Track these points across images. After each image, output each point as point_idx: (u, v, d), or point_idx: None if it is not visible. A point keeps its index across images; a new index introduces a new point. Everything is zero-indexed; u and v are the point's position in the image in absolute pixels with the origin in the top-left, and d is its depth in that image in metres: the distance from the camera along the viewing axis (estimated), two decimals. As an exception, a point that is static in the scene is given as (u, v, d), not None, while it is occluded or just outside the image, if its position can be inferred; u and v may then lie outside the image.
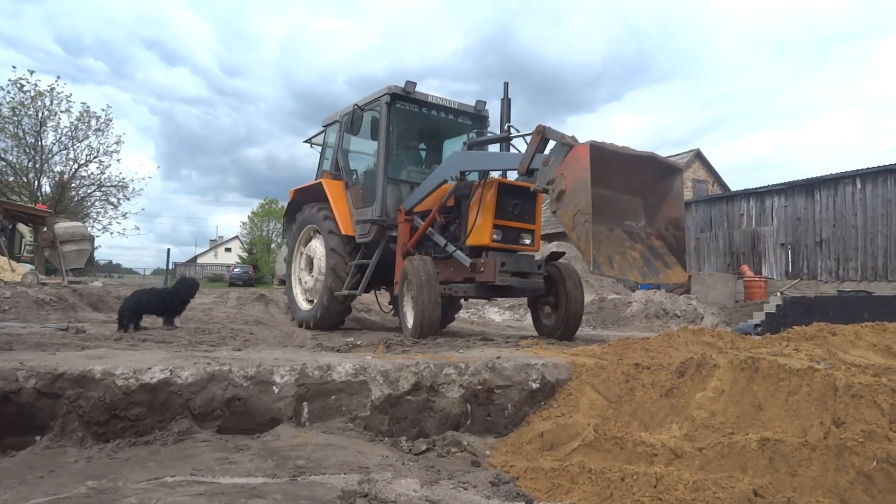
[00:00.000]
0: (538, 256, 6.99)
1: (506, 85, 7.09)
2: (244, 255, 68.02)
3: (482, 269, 6.15)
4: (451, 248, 6.58)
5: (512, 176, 6.73)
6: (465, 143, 6.88)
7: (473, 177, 6.86)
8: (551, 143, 5.38)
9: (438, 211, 6.68)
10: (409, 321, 6.33)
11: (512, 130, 6.71)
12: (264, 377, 3.24)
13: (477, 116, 8.36)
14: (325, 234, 7.93)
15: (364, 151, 8.76)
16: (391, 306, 9.99)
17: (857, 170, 20.09)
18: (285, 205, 9.59)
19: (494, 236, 6.35)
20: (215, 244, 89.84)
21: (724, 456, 2.49)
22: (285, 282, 10.42)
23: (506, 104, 7.07)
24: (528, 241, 6.61)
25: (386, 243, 7.52)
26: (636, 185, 5.33)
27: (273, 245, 69.58)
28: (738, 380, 2.88)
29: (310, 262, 8.50)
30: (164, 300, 8.13)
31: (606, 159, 4.85)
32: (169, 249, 57.28)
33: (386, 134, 7.53)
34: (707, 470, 2.46)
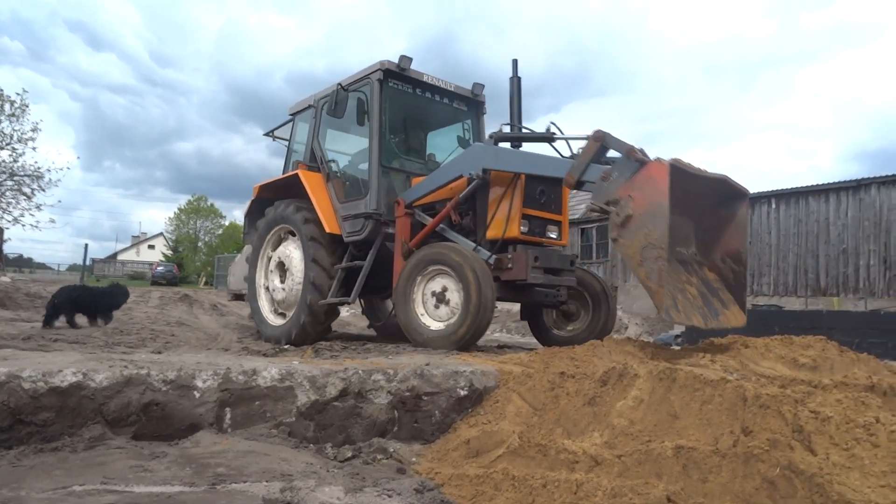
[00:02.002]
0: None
1: (514, 62, 6.16)
2: (169, 253, 65.58)
3: (510, 265, 5.33)
4: (468, 243, 5.72)
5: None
6: (491, 136, 5.83)
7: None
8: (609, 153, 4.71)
9: (454, 207, 5.80)
10: (448, 324, 5.30)
11: (553, 129, 5.71)
12: (185, 381, 3.13)
13: (473, 102, 7.57)
14: (305, 240, 6.85)
15: (347, 138, 7.90)
16: (367, 314, 9.09)
17: (773, 190, 21.25)
18: (248, 202, 8.41)
19: (522, 228, 5.57)
20: (138, 241, 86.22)
21: (642, 463, 2.58)
22: (243, 296, 9.03)
23: (516, 85, 6.14)
24: (554, 235, 5.87)
25: (382, 241, 6.60)
26: (693, 206, 4.41)
27: (200, 244, 67.45)
28: (656, 389, 2.99)
29: (281, 269, 7.35)
30: (96, 299, 7.83)
31: (683, 182, 4.09)
32: (87, 245, 54.71)
33: (379, 115, 6.68)
34: (625, 476, 2.55)
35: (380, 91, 6.70)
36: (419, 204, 6.25)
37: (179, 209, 69.93)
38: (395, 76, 6.81)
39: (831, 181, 20.13)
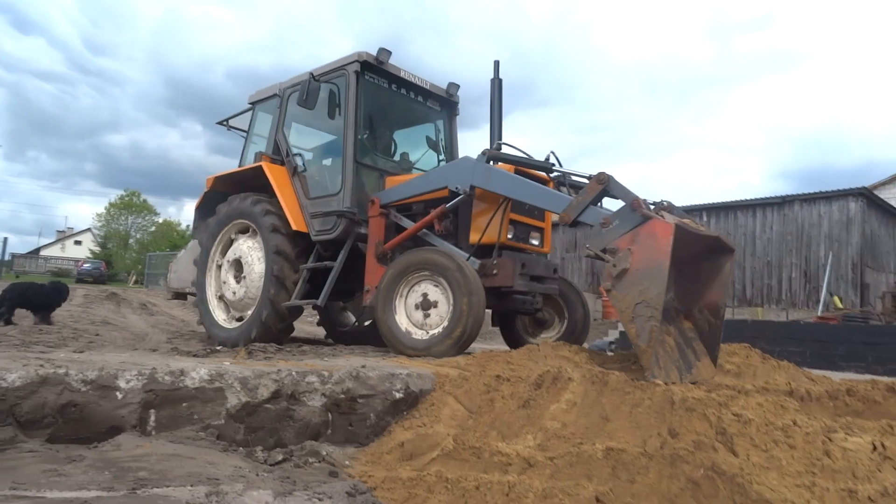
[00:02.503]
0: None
1: (496, 63, 6.06)
2: (97, 249, 62.84)
3: (495, 271, 5.20)
4: (448, 246, 5.52)
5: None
6: (484, 153, 5.48)
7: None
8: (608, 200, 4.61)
9: (438, 217, 5.59)
10: (437, 331, 5.00)
11: (552, 160, 5.38)
12: (107, 382, 2.99)
13: (447, 102, 7.39)
14: (266, 232, 6.43)
15: (313, 132, 7.52)
16: (324, 321, 8.51)
17: (704, 204, 22.12)
18: (200, 195, 7.79)
19: (509, 234, 5.45)
20: (63, 236, 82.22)
21: (573, 465, 2.62)
22: (188, 295, 8.55)
23: (497, 87, 6.00)
24: (536, 241, 5.78)
25: (354, 242, 6.30)
26: (680, 256, 4.20)
27: (131, 241, 64.97)
28: (589, 392, 3.05)
29: (237, 267, 6.90)
30: (47, 296, 7.92)
31: (681, 240, 4.00)
32: (6, 238, 51.80)
33: (355, 108, 6.37)
34: (557, 478, 2.57)
35: (356, 83, 6.42)
36: (395, 205, 6.03)
37: (110, 204, 67.24)
38: (372, 69, 6.58)
39: (758, 197, 21.12)
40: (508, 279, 5.15)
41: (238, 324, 6.70)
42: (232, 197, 7.04)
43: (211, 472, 2.69)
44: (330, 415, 3.43)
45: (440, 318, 5.03)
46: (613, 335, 13.08)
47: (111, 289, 16.61)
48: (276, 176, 6.68)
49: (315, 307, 6.46)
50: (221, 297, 7.10)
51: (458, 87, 7.39)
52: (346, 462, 3.21)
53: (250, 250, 6.73)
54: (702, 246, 4.46)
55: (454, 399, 3.56)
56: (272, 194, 6.64)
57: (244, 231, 6.97)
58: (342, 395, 3.46)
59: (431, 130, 7.47)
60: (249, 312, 6.58)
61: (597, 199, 4.59)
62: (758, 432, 2.29)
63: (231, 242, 7.10)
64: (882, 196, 23.01)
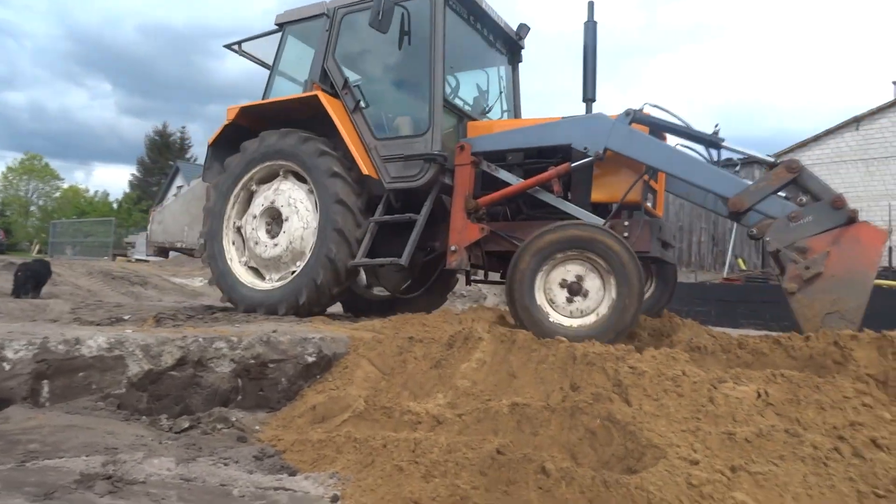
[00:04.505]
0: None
1: (590, 4, 5.20)
2: (-6, 217, 58.66)
3: (626, 233, 4.47)
4: (570, 207, 4.78)
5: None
6: (627, 113, 4.68)
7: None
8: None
9: (556, 176, 4.78)
10: (581, 322, 4.07)
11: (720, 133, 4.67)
12: (-7, 352, 2.81)
13: (515, 46, 6.55)
14: (323, 177, 5.38)
15: (369, 62, 6.42)
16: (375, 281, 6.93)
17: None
18: (219, 129, 6.35)
19: (644, 197, 4.75)
20: (-44, 203, 76.15)
21: (480, 420, 2.69)
22: (167, 251, 7.53)
23: (591, 31, 5.17)
24: (650, 203, 5.07)
25: (438, 193, 5.44)
26: None
27: (33, 208, 61.02)
28: (498, 351, 3.13)
29: (272, 218, 5.80)
30: (47, 272, 9.01)
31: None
32: None
33: (443, 35, 5.43)
34: (465, 434, 2.64)
35: (443, 6, 5.49)
36: (489, 154, 5.21)
37: (8, 168, 62.64)
38: None
39: (672, 164, 21.90)
40: (645, 244, 4.51)
41: (273, 284, 5.63)
42: (266, 133, 5.83)
43: (109, 442, 2.60)
44: (240, 380, 3.37)
45: (591, 305, 4.13)
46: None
47: (9, 258, 15.59)
48: (336, 110, 5.57)
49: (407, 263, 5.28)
50: (245, 253, 5.96)
51: (528, 29, 6.52)
52: (257, 427, 3.17)
53: (293, 198, 5.62)
54: None
55: (368, 361, 3.57)
56: (324, 133, 5.61)
57: (283, 175, 5.83)
58: (252, 361, 3.40)
59: (495, 76, 6.69)
60: (291, 272, 5.56)
61: (780, 189, 4.09)
62: (650, 383, 2.42)
63: (260, 188, 5.96)
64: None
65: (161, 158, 56.43)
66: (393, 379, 3.41)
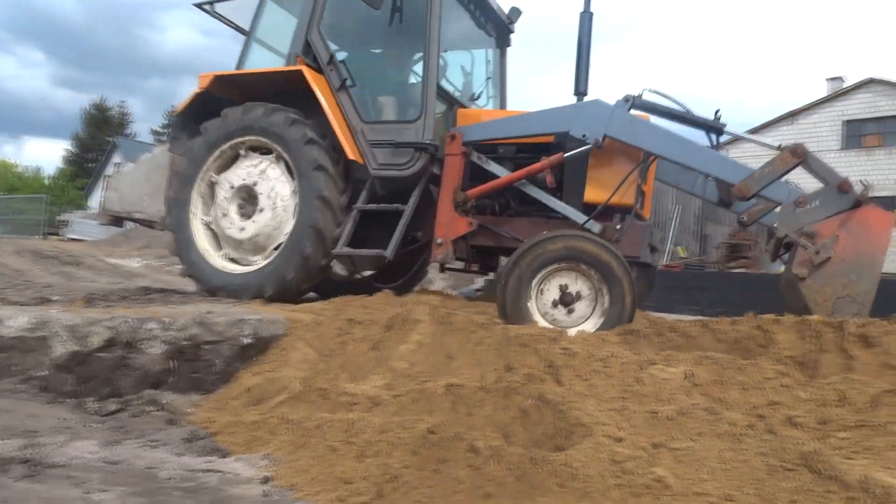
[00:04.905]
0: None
1: None
2: (-86, 192, 55.37)
3: (618, 237, 4.34)
4: (559, 204, 4.61)
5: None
6: (626, 99, 4.56)
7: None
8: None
9: (549, 167, 4.53)
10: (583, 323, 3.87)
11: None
12: None
13: (505, 29, 6.23)
14: (304, 163, 4.96)
15: (357, 37, 5.93)
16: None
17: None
18: (189, 95, 5.76)
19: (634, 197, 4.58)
20: None
21: (417, 401, 2.71)
22: (121, 220, 6.82)
23: (587, 21, 4.89)
24: (639, 205, 4.88)
25: (427, 183, 5.13)
26: None
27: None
28: (436, 333, 3.15)
29: (246, 197, 5.31)
30: None
31: None
32: None
33: (439, 15, 5.06)
34: (401, 415, 2.65)
35: None
36: (481, 144, 4.97)
37: (-70, 141, 58.96)
38: None
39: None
40: (636, 248, 4.42)
41: (247, 268, 5.19)
42: (249, 105, 5.32)
43: (30, 426, 2.51)
44: (172, 362, 3.29)
45: (583, 314, 3.95)
46: (480, 283, 13.53)
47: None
48: (321, 88, 5.12)
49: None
50: (212, 232, 5.47)
51: (520, 13, 6.22)
52: (189, 409, 3.11)
53: (273, 180, 5.18)
54: None
55: (305, 343, 3.54)
56: (306, 109, 5.17)
57: (258, 152, 5.36)
58: (186, 342, 3.33)
59: (483, 60, 6.39)
60: (258, 258, 5.16)
61: (786, 174, 4.04)
62: (581, 364, 2.48)
63: (234, 162, 5.44)
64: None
65: (99, 134, 54.06)
66: (331, 361, 3.39)
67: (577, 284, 3.93)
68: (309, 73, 5.08)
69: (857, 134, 27.31)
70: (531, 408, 2.38)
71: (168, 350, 3.28)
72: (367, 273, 6.23)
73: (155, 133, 56.07)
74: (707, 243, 20.88)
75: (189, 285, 7.41)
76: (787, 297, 3.97)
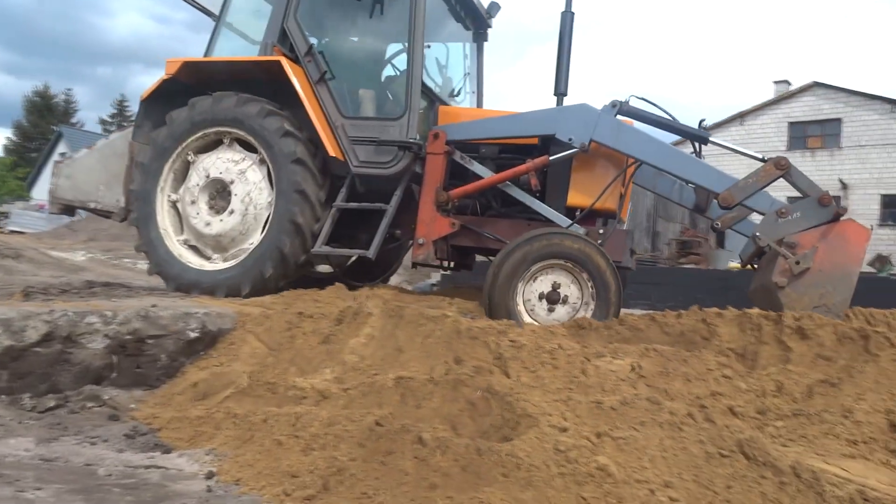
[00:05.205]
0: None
1: None
2: None
3: (600, 241, 4.31)
4: (542, 207, 4.60)
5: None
6: (613, 104, 4.57)
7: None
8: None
9: (534, 170, 4.49)
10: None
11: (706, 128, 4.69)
12: None
13: (483, 24, 6.08)
14: (281, 156, 4.74)
15: (343, 28, 5.69)
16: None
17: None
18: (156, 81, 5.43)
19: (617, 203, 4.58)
20: None
21: (366, 394, 2.70)
22: (72, 209, 6.34)
23: (568, 21, 4.86)
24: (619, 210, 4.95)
25: (409, 182, 5.00)
26: None
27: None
28: (386, 326, 3.14)
29: (217, 191, 5.00)
30: None
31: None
32: None
33: (423, 9, 4.92)
34: (350, 408, 2.63)
35: None
36: (465, 143, 4.89)
37: None
38: None
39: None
40: (619, 253, 4.41)
41: (213, 266, 4.93)
42: (219, 94, 5.03)
43: (-41, 423, 2.40)
44: (115, 357, 3.20)
45: (572, 310, 4.11)
46: (436, 278, 13.55)
47: None
48: (301, 81, 4.91)
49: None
50: (181, 226, 5.19)
51: (499, 8, 6.09)
52: (132, 405, 3.03)
53: (249, 181, 4.92)
54: None
55: (255, 337, 3.49)
56: (280, 101, 4.96)
57: (227, 143, 5.08)
58: (129, 336, 3.23)
59: (461, 54, 6.25)
60: (224, 258, 4.94)
61: (768, 185, 4.17)
62: (528, 356, 2.51)
63: (202, 153, 5.14)
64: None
65: (42, 122, 52.04)
66: (280, 355, 3.34)
67: (569, 288, 4.07)
68: (289, 66, 4.88)
69: (801, 135, 28.34)
70: (479, 399, 2.40)
71: (110, 345, 3.18)
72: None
73: (102, 122, 54.38)
74: (658, 240, 21.38)
75: (136, 279, 7.25)
76: (756, 302, 4.11)
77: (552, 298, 4.04)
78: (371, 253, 4.72)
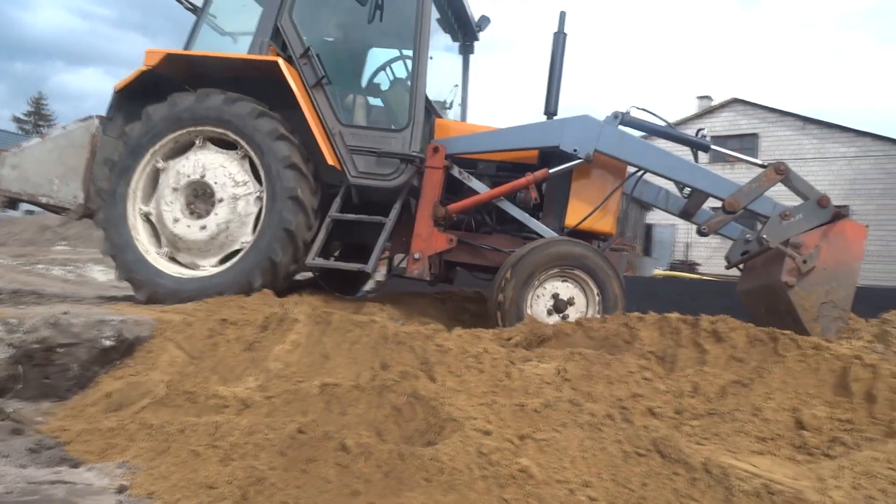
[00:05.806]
0: None
1: (562, 15, 4.93)
2: None
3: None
4: (538, 225, 4.63)
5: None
6: (615, 115, 4.63)
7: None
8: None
9: (534, 183, 4.53)
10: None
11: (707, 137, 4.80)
12: None
13: (472, 36, 6.05)
14: (275, 160, 4.50)
15: (342, 30, 5.46)
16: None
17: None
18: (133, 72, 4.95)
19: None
20: None
21: (290, 402, 2.64)
22: (15, 203, 5.60)
23: (560, 42, 4.89)
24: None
25: (407, 196, 4.89)
26: None
27: None
28: (313, 332, 3.09)
29: (194, 194, 4.67)
30: None
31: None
32: None
33: (429, 18, 4.81)
34: (273, 416, 2.57)
35: None
36: (462, 158, 4.84)
37: None
38: None
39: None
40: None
41: (200, 272, 4.63)
42: (204, 91, 4.70)
43: None
44: (20, 367, 3.01)
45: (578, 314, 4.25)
46: (371, 284, 13.44)
47: None
48: (297, 84, 4.68)
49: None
50: (155, 230, 4.82)
51: (489, 21, 6.03)
52: (39, 418, 2.86)
53: (235, 180, 4.63)
54: None
55: (175, 345, 3.36)
56: (268, 100, 4.72)
57: (212, 142, 4.77)
58: (36, 346, 3.05)
59: (449, 65, 6.25)
60: (209, 262, 4.67)
61: (768, 189, 4.35)
62: (454, 360, 2.52)
63: (182, 153, 4.80)
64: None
65: (-51, 120, 48.84)
66: (202, 363, 3.23)
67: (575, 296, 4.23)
68: (287, 68, 4.66)
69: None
70: (404, 405, 2.39)
71: (14, 354, 2.99)
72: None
73: (18, 120, 51.58)
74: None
75: (48, 286, 6.87)
76: (751, 302, 4.33)
77: (559, 308, 4.19)
78: (370, 268, 4.61)
